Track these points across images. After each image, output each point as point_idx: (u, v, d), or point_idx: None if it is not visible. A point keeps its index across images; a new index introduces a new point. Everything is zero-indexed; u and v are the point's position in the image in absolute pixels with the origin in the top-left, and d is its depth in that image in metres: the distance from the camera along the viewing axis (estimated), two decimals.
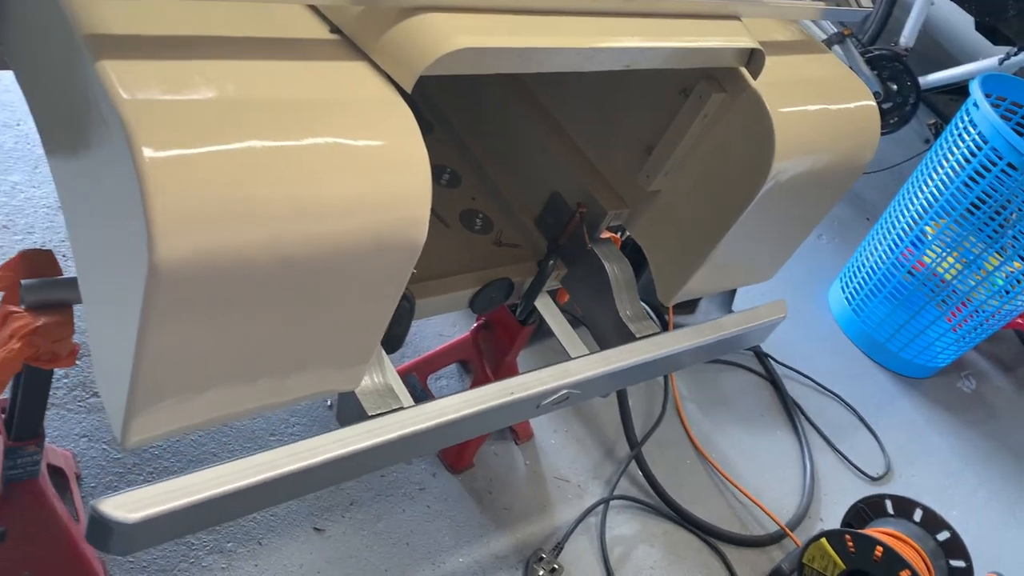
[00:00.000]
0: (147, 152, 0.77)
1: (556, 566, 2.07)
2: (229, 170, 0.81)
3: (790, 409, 2.82)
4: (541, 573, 2.05)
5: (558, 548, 2.11)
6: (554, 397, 1.31)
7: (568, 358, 1.40)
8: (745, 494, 2.49)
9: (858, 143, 1.43)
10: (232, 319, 0.89)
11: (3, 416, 1.47)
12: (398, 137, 0.93)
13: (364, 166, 0.90)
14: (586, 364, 1.35)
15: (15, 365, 1.25)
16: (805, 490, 2.59)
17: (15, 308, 1.27)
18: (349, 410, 1.17)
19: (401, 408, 1.18)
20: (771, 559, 2.38)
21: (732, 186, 1.34)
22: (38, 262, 1.30)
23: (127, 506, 0.96)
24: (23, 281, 1.25)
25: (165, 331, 0.85)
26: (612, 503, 2.29)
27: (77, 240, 0.97)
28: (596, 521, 2.24)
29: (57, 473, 1.78)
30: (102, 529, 0.95)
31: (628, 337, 1.44)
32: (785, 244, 1.55)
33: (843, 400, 2.97)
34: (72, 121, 0.90)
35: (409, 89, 0.95)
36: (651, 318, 1.51)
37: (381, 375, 1.19)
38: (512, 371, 2.15)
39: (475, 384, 2.16)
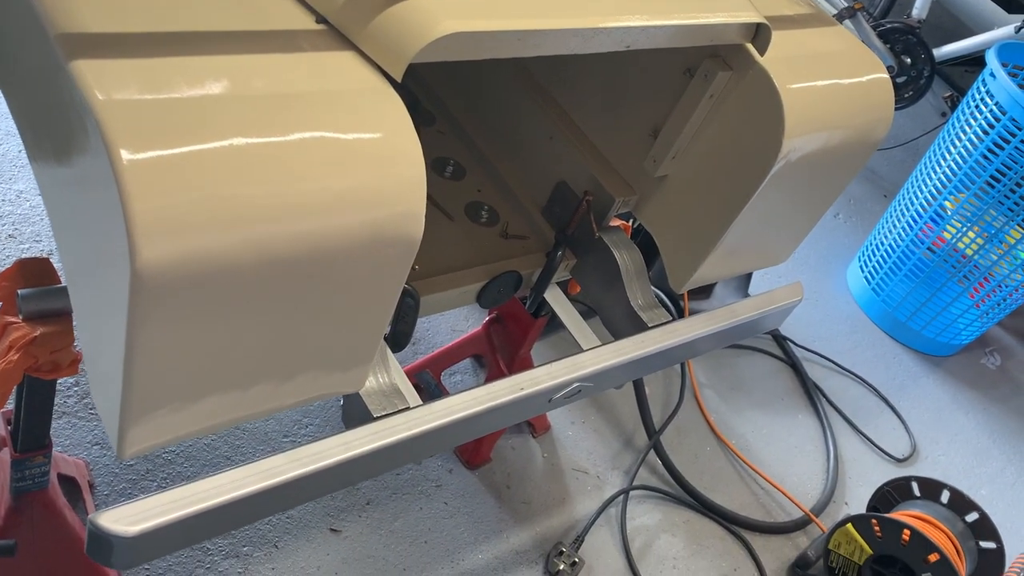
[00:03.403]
0: (125, 154, 0.74)
1: (577, 559, 2.04)
2: (212, 170, 0.78)
3: (811, 392, 2.77)
4: (562, 567, 2.02)
5: (578, 541, 2.08)
6: (566, 391, 1.27)
7: (580, 350, 1.36)
8: (767, 480, 2.45)
9: (872, 118, 1.38)
10: (223, 323, 0.86)
11: (9, 428, 1.45)
12: (390, 128, 0.89)
13: (354, 160, 0.86)
14: (598, 356, 1.31)
15: (15, 377, 1.23)
16: (829, 474, 2.55)
17: (13, 319, 1.24)
18: (354, 412, 1.14)
19: (407, 408, 1.15)
20: (796, 546, 2.34)
21: (741, 168, 1.30)
22: (35, 270, 1.28)
23: (127, 519, 0.93)
24: (20, 291, 1.23)
25: (154, 339, 0.82)
26: (632, 493, 2.26)
27: (63, 248, 0.94)
28: (616, 512, 2.20)
29: (69, 482, 1.76)
30: (102, 544, 0.93)
31: (640, 326, 1.40)
32: (798, 225, 1.51)
33: (865, 381, 2.92)
34: (51, 124, 0.87)
35: (399, 78, 0.91)
36: (664, 306, 1.47)
37: (386, 375, 1.16)
38: (526, 364, 2.11)
39: (489, 379, 2.13)
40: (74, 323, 1.00)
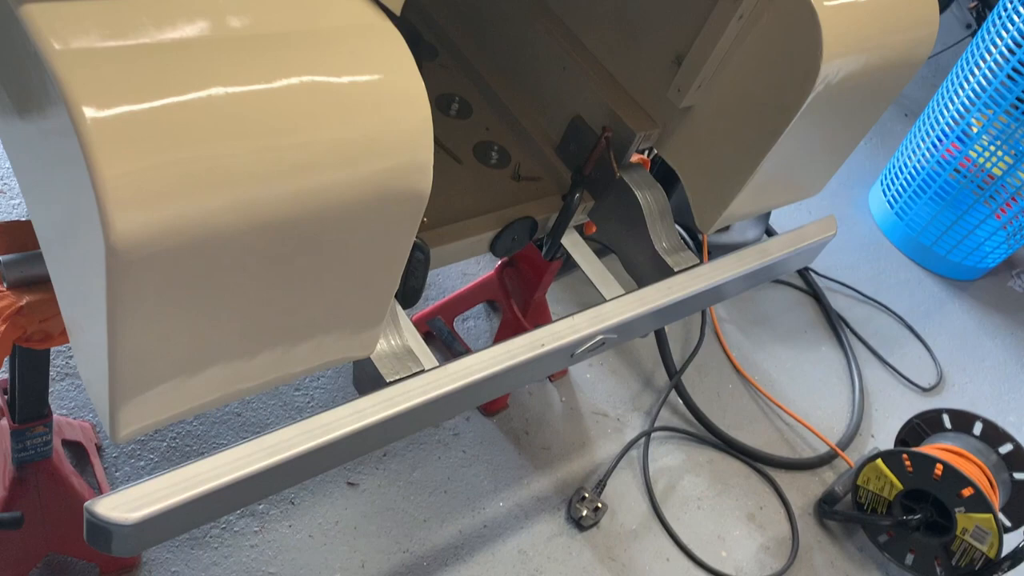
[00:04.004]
0: (88, 112, 0.64)
1: (600, 504, 2.00)
2: (190, 126, 0.68)
3: (834, 323, 2.69)
4: (585, 512, 1.97)
5: (601, 485, 2.03)
6: (589, 344, 1.19)
7: (601, 300, 1.28)
8: (791, 415, 2.39)
9: (915, 36, 1.26)
10: (214, 294, 0.78)
11: (6, 397, 1.38)
12: (390, 69, 0.79)
13: (351, 107, 0.77)
14: (622, 306, 1.23)
15: (4, 348, 1.15)
16: (854, 407, 2.48)
17: None
18: (366, 377, 1.07)
19: (422, 371, 1.07)
20: (823, 481, 2.29)
21: (775, 95, 1.19)
22: (18, 235, 1.19)
23: (126, 505, 0.86)
24: (2, 257, 1.14)
25: (138, 314, 0.74)
26: (654, 435, 2.20)
27: (35, 215, 0.86)
28: (638, 454, 2.15)
29: (75, 447, 1.71)
30: (100, 532, 0.86)
31: (665, 271, 1.32)
32: (835, 155, 1.40)
33: (889, 309, 2.84)
34: (11, 82, 0.77)
35: (398, 11, 0.81)
36: (689, 247, 1.38)
37: (398, 336, 1.08)
38: (541, 308, 2.04)
39: (503, 324, 2.06)
40: (56, 293, 0.91)
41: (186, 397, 0.88)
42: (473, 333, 2.24)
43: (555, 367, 1.24)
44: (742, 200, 1.27)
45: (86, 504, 0.85)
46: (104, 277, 0.68)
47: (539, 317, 2.03)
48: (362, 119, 0.77)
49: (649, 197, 1.33)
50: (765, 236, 2.70)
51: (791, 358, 2.55)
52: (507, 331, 2.05)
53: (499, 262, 2.02)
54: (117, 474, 1.74)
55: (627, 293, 1.25)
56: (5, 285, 1.15)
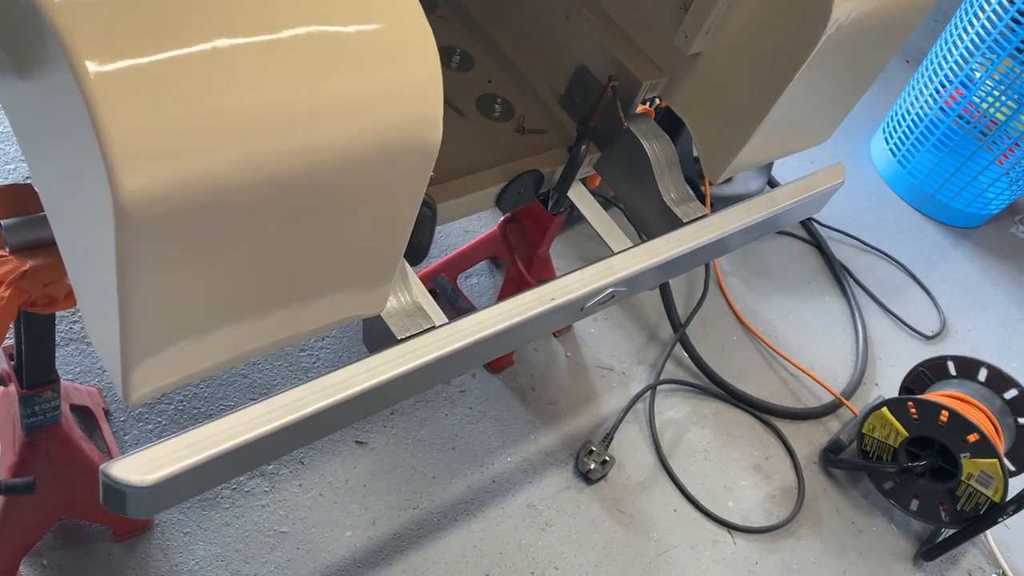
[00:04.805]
0: (91, 67, 0.62)
1: (607, 457, 2.01)
2: (196, 78, 0.66)
3: (837, 272, 2.68)
4: (592, 466, 1.98)
5: (608, 439, 2.04)
6: (599, 298, 1.19)
7: (609, 253, 1.27)
8: (796, 365, 2.39)
9: None
10: (224, 252, 0.76)
11: (12, 363, 1.38)
12: (396, 17, 0.77)
13: (359, 58, 0.75)
14: (631, 258, 1.22)
15: (8, 314, 1.14)
16: (858, 356, 2.49)
17: (1, 252, 1.15)
18: (377, 335, 1.06)
19: (433, 328, 1.06)
20: (828, 431, 2.30)
21: (785, 40, 1.16)
22: (19, 197, 1.17)
23: (142, 467, 0.86)
24: (3, 221, 1.13)
25: (148, 275, 0.73)
26: (659, 388, 2.20)
27: (37, 176, 0.84)
28: (644, 408, 2.16)
29: (83, 412, 1.71)
30: (115, 495, 0.86)
31: (674, 222, 1.30)
32: (843, 102, 1.38)
33: (892, 258, 2.83)
34: (9, 41, 0.75)
35: None
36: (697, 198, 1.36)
37: (407, 293, 1.07)
38: (546, 263, 2.03)
39: (508, 280, 2.05)
40: (63, 255, 0.90)
41: (198, 358, 0.87)
42: (477, 290, 2.23)
43: (565, 321, 1.23)
44: (751, 148, 1.26)
45: (102, 467, 0.85)
46: (113, 238, 0.67)
47: (543, 272, 2.02)
48: (371, 70, 0.75)
49: (656, 147, 1.31)
50: (768, 187, 2.68)
51: (795, 309, 2.55)
52: (511, 287, 2.04)
53: (502, 218, 2.00)
54: (126, 438, 1.74)
55: (636, 245, 1.24)
56: (7, 249, 1.14)
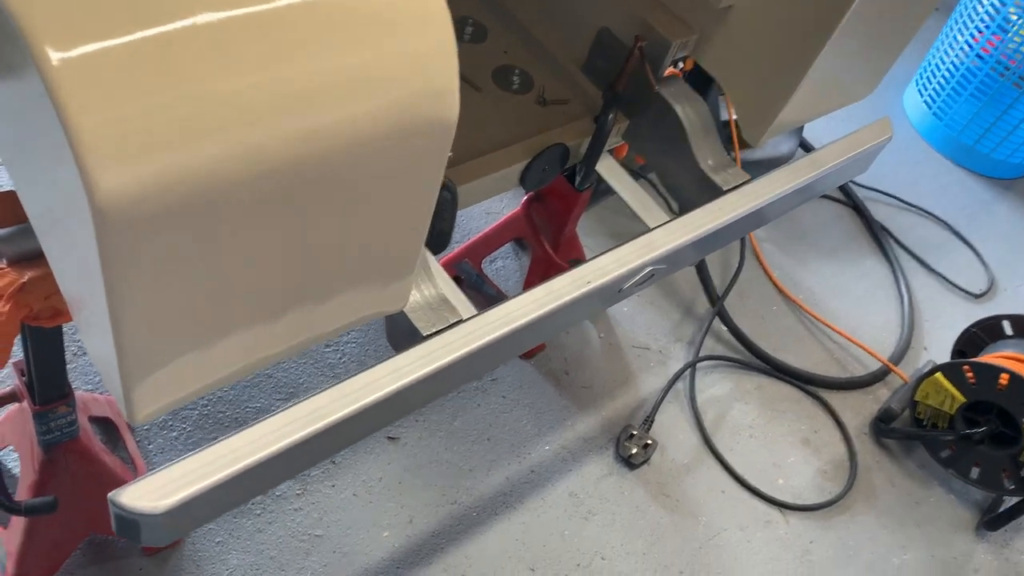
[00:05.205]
0: (53, 54, 0.54)
1: (649, 440, 1.92)
2: (176, 59, 0.58)
3: (877, 234, 2.57)
4: (634, 450, 1.90)
5: (648, 421, 1.96)
6: (637, 278, 1.10)
7: (644, 228, 1.18)
8: (840, 333, 2.29)
9: None
10: (223, 254, 0.69)
11: (24, 378, 1.31)
12: None
13: (362, 27, 0.66)
14: (670, 233, 1.13)
15: (11, 330, 1.08)
16: (904, 319, 2.38)
17: None
18: (401, 332, 0.98)
19: (460, 321, 0.98)
20: (877, 399, 2.20)
21: None
22: (9, 204, 1.10)
23: (153, 492, 0.79)
24: None
25: (138, 284, 0.65)
26: (699, 365, 2.11)
27: (21, 190, 0.77)
28: (684, 387, 2.07)
29: (104, 423, 1.65)
30: (127, 524, 0.79)
31: (714, 191, 1.21)
32: (888, 50, 1.27)
33: (933, 215, 2.71)
34: None
35: None
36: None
37: (431, 285, 0.99)
38: (573, 243, 1.94)
39: (535, 262, 1.96)
40: (52, 268, 0.83)
41: (206, 370, 0.80)
42: (503, 274, 2.15)
43: (602, 305, 1.15)
44: (794, 106, 1.16)
45: (110, 496, 0.78)
46: (95, 246, 0.59)
47: (571, 252, 1.93)
48: (377, 40, 0.66)
49: (690, 111, 1.22)
50: (800, 150, 2.57)
51: (834, 274, 2.44)
52: (538, 269, 1.95)
53: (525, 197, 1.91)
54: (150, 447, 1.69)
55: (674, 219, 1.15)
56: (4, 261, 1.07)
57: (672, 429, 2.00)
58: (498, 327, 0.97)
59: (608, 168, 1.29)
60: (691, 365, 2.09)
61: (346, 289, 0.83)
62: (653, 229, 1.15)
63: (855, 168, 1.38)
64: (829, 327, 2.30)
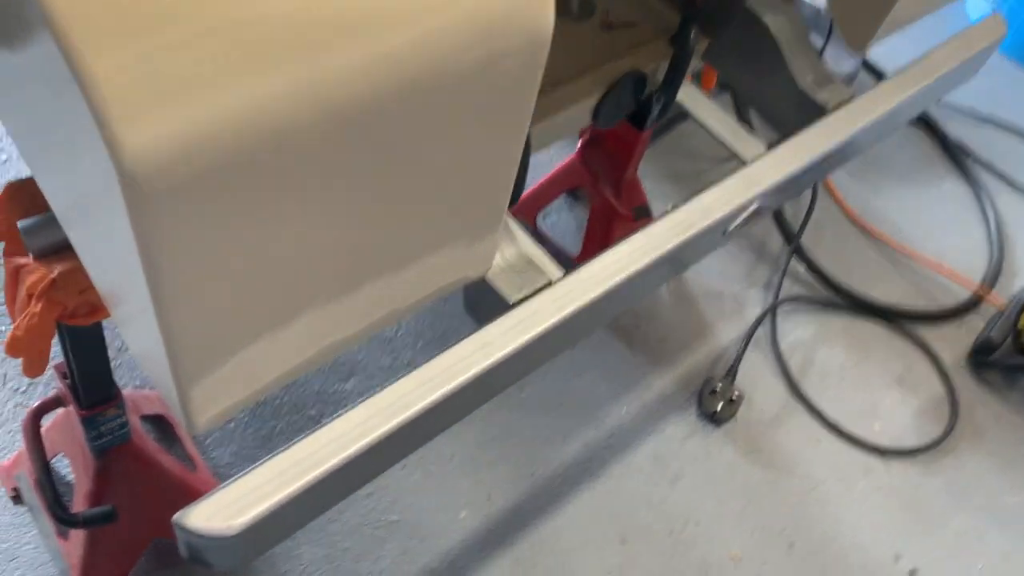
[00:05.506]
0: None
1: (735, 394, 1.79)
2: None
3: (953, 152, 2.38)
4: (719, 406, 1.77)
5: (731, 373, 1.82)
6: (744, 215, 0.95)
7: (741, 162, 1.03)
8: (925, 261, 2.12)
9: None
10: (284, 220, 0.56)
11: (66, 381, 1.21)
12: None
13: None
14: (776, 162, 0.98)
15: (46, 331, 0.97)
16: (992, 243, 2.20)
17: (23, 259, 0.97)
18: (483, 301, 0.85)
19: (550, 283, 0.85)
20: (972, 330, 2.03)
21: None
22: (31, 192, 0.99)
23: (225, 511, 0.67)
24: (20, 223, 0.94)
25: (183, 265, 0.52)
26: (779, 308, 1.96)
27: (42, 179, 0.64)
28: (765, 333, 1.92)
29: (157, 420, 1.55)
30: (196, 549, 0.67)
31: (816, 110, 1.05)
32: None
33: (1012, 127, 2.50)
34: None
35: None
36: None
37: (513, 244, 0.85)
38: (635, 188, 1.79)
39: (594, 213, 1.82)
40: (82, 259, 0.71)
41: (272, 363, 0.67)
42: (558, 230, 2.01)
43: (704, 251, 1.01)
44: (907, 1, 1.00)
45: (174, 519, 0.67)
46: (128, 222, 0.47)
47: (634, 199, 1.79)
48: None
49: (783, 21, 1.06)
50: (862, 68, 2.38)
51: (913, 199, 2.27)
52: (600, 220, 1.81)
53: (580, 142, 1.77)
54: (207, 442, 1.59)
55: (776, 146, 1.00)
56: (30, 256, 0.95)
57: (757, 379, 1.86)
58: (595, 286, 0.84)
59: (691, 95, 1.14)
60: (771, 309, 1.94)
61: (427, 253, 0.70)
62: (752, 161, 1.00)
63: (964, 73, 1.22)
64: (912, 256, 2.14)
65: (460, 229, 0.71)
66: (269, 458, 0.69)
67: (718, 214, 0.92)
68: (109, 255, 0.58)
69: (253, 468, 0.69)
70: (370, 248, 0.64)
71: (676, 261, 0.92)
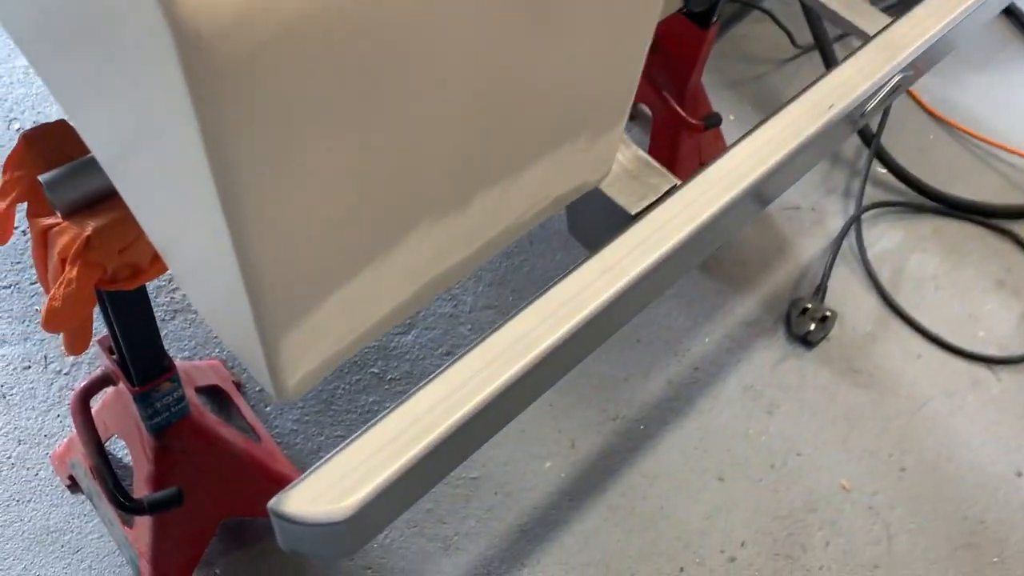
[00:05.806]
0: None
1: (826, 312, 1.64)
2: None
3: None
4: (811, 327, 1.63)
5: (820, 291, 1.67)
6: (883, 94, 0.80)
7: (864, 36, 0.87)
8: (1012, 151, 1.95)
9: None
10: (389, 108, 0.42)
11: (113, 357, 1.09)
12: None
13: None
14: (914, 27, 0.82)
15: (86, 297, 0.84)
16: None
17: (50, 219, 0.84)
18: (595, 217, 0.71)
19: (675, 187, 0.71)
20: None
21: None
22: (56, 141, 0.86)
23: (328, 493, 0.55)
24: (42, 177, 0.81)
25: (265, 173, 0.39)
26: (863, 216, 1.81)
27: (81, 120, 0.51)
28: (850, 244, 1.77)
29: (212, 392, 1.44)
30: (299, 538, 0.55)
31: None
32: None
33: None
34: None
35: None
36: None
37: (626, 147, 0.71)
38: (700, 96, 1.63)
39: (659, 127, 1.66)
40: (129, 204, 0.58)
41: (371, 306, 0.54)
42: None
43: (839, 138, 0.86)
44: None
45: (269, 506, 0.54)
46: (191, 110, 0.33)
47: (701, 108, 1.63)
48: None
49: None
50: None
51: (990, 86, 2.08)
52: (665, 134, 1.66)
53: None
54: (267, 409, 1.48)
55: (911, 11, 0.84)
56: (59, 214, 0.82)
57: (847, 295, 1.71)
58: (732, 184, 0.69)
59: None
60: (855, 218, 1.79)
61: (547, 151, 0.55)
62: (883, 31, 0.84)
63: None
64: (998, 146, 1.96)
65: (584, 120, 0.57)
66: (376, 422, 0.56)
67: (860, 89, 0.77)
68: (170, 184, 0.44)
69: (357, 437, 0.57)
70: (487, 147, 0.50)
71: (816, 148, 0.77)
